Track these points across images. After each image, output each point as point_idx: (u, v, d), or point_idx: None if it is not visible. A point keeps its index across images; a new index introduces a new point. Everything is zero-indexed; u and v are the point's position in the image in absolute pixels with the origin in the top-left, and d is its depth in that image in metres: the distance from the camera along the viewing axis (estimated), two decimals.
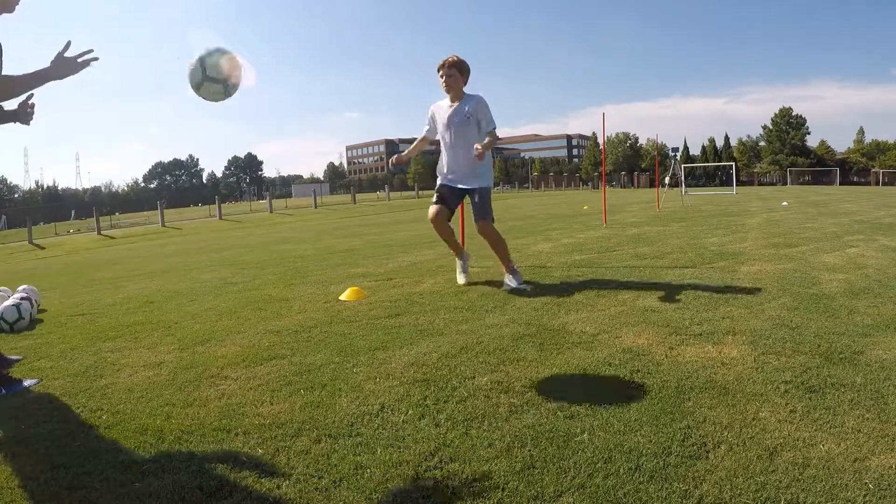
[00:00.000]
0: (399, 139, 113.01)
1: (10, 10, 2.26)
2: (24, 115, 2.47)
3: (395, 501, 1.45)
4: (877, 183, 53.88)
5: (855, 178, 64.69)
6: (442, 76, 3.94)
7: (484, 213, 3.97)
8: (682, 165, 33.47)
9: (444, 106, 4.05)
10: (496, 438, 1.75)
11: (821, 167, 63.66)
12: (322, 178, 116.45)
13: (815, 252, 5.21)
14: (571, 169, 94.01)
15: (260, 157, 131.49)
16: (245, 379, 2.41)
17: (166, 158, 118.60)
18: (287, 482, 1.56)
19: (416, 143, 4.38)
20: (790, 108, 68.83)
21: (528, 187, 72.87)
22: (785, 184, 58.67)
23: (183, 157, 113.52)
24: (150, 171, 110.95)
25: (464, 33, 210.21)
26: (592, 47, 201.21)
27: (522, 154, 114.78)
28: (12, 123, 2.50)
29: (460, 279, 4.23)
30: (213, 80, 2.36)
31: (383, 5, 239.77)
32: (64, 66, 2.13)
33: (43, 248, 20.07)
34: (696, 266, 4.60)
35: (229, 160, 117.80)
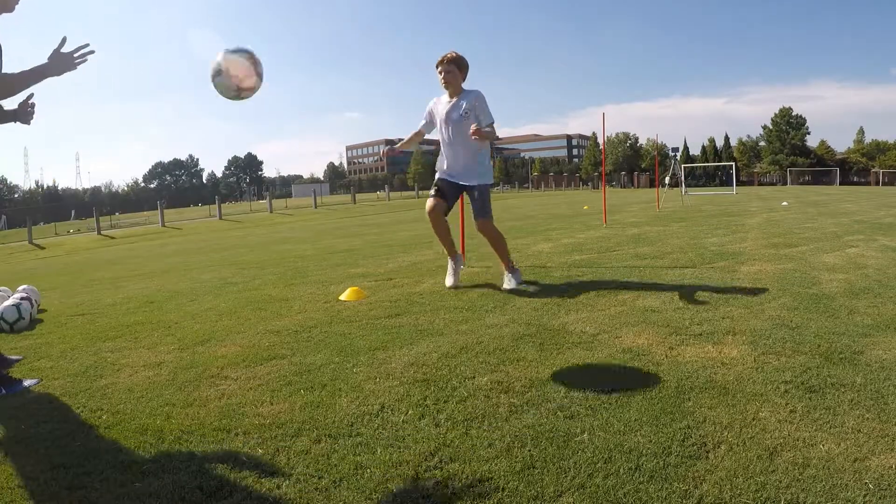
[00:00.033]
0: (399, 139, 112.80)
1: (10, 9, 2.26)
2: (24, 114, 2.48)
3: (395, 501, 1.45)
4: (877, 183, 53.88)
5: (855, 178, 64.70)
6: (440, 72, 3.93)
7: (483, 211, 3.96)
8: (682, 165, 33.47)
9: (442, 102, 4.04)
10: (496, 438, 1.75)
11: (821, 167, 63.67)
12: (322, 178, 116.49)
13: (815, 252, 5.21)
14: (571, 169, 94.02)
15: (260, 157, 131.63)
16: (245, 379, 2.41)
17: (166, 158, 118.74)
18: (287, 482, 1.56)
19: (410, 136, 4.32)
20: (790, 108, 68.88)
21: (528, 187, 72.86)
22: (785, 184, 58.67)
23: (183, 157, 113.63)
24: (150, 171, 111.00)
25: (464, 33, 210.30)
26: (592, 47, 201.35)
27: (522, 154, 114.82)
28: (12, 123, 2.51)
29: (449, 281, 4.11)
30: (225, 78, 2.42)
31: (383, 5, 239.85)
32: (61, 63, 2.13)
33: (43, 248, 20.07)
34: (696, 266, 4.60)
35: (229, 160, 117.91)
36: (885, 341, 2.47)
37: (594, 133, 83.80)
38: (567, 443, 1.69)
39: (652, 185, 58.65)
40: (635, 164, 75.50)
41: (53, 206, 71.96)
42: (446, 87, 3.98)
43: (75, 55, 2.15)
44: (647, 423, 1.79)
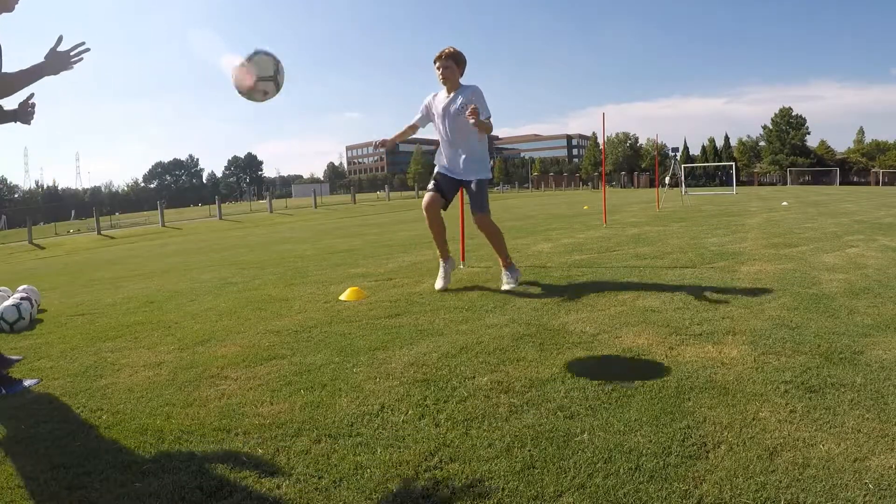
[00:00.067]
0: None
1: (10, 9, 2.26)
2: (24, 114, 2.48)
3: (395, 501, 1.45)
4: (877, 183, 53.90)
5: (855, 178, 64.71)
6: (438, 68, 3.92)
7: (481, 206, 3.94)
8: (682, 165, 33.47)
9: (440, 97, 4.03)
10: (496, 438, 1.75)
11: (821, 167, 63.68)
12: (322, 178, 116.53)
13: (815, 252, 5.21)
14: (571, 169, 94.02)
15: (260, 157, 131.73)
16: (245, 379, 2.41)
17: (166, 158, 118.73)
18: (287, 482, 1.56)
19: (403, 129, 4.25)
20: (790, 108, 68.92)
21: (528, 187, 72.87)
22: (785, 184, 58.68)
23: (183, 157, 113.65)
24: (150, 171, 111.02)
25: (464, 33, 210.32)
26: (592, 47, 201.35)
27: (522, 154, 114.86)
28: (12, 123, 2.51)
29: (439, 284, 4.04)
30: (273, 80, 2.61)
31: (383, 5, 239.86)
32: (57, 62, 2.13)
33: (43, 248, 20.06)
34: (696, 266, 4.60)
35: (229, 160, 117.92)
36: (885, 341, 2.47)
37: (594, 133, 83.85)
38: (567, 443, 1.69)
39: (652, 185, 58.65)
40: (635, 164, 75.51)
41: (53, 206, 71.96)
42: (444, 83, 3.97)
43: (72, 54, 2.15)
44: (647, 423, 1.79)
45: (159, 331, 3.40)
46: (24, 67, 2.15)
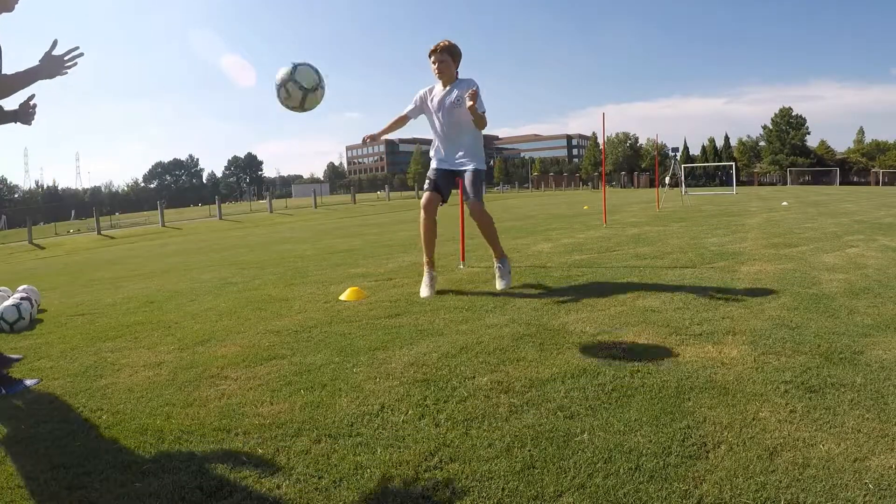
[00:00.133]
0: (399, 139, 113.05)
1: (10, 9, 2.26)
2: (25, 115, 2.48)
3: (395, 501, 1.45)
4: (877, 183, 53.90)
5: (855, 178, 64.73)
6: (434, 62, 3.89)
7: (476, 193, 3.88)
8: (682, 165, 33.48)
9: (436, 91, 4.00)
10: (496, 438, 1.75)
11: (821, 167, 63.69)
12: (322, 178, 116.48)
13: (815, 252, 5.21)
14: (571, 169, 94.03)
15: (260, 157, 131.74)
16: (245, 379, 2.41)
17: (166, 158, 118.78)
18: (287, 482, 1.56)
19: (393, 120, 4.18)
20: (790, 108, 68.96)
21: (528, 187, 72.86)
22: (785, 184, 58.68)
23: (183, 157, 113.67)
24: (150, 171, 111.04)
25: (464, 33, 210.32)
26: (592, 47, 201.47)
27: (522, 154, 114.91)
28: (13, 123, 2.51)
29: (424, 292, 3.87)
30: (314, 90, 2.92)
31: (383, 5, 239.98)
32: (52, 65, 2.14)
33: (43, 248, 20.06)
34: (696, 266, 4.60)
35: (229, 160, 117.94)
36: (885, 341, 2.47)
37: (594, 133, 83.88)
38: (567, 443, 1.69)
39: (652, 185, 58.66)
40: (635, 164, 75.53)
41: (53, 206, 71.96)
42: (440, 77, 3.94)
43: (66, 58, 2.16)
44: (647, 423, 1.79)
45: (159, 331, 3.40)
46: (19, 69, 2.16)
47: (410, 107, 4.11)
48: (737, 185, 32.75)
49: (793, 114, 68.40)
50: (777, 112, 69.30)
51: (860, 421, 1.74)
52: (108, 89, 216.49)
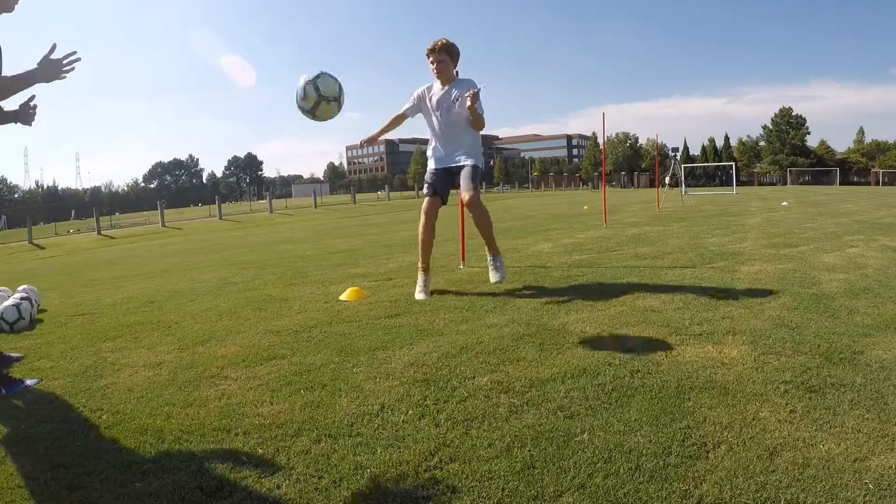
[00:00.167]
0: (399, 139, 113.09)
1: (10, 9, 2.26)
2: (25, 115, 2.48)
3: (395, 501, 1.45)
4: (877, 183, 53.92)
5: (855, 178, 64.76)
6: (432, 61, 3.86)
7: (473, 186, 3.82)
8: (682, 165, 33.49)
9: (434, 90, 3.97)
10: (496, 438, 1.75)
11: (821, 167, 63.70)
12: (322, 178, 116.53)
13: (815, 252, 5.21)
14: (571, 169, 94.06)
15: (260, 157, 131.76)
16: (245, 379, 2.41)
17: (166, 158, 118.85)
18: (287, 482, 1.56)
19: (390, 120, 4.16)
20: (790, 108, 68.99)
21: (528, 187, 72.87)
22: (785, 184, 58.70)
23: (183, 157, 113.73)
24: (150, 171, 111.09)
25: (464, 33, 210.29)
26: (592, 47, 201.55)
27: (522, 154, 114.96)
28: (13, 124, 2.51)
29: (420, 296, 3.84)
30: (328, 101, 2.95)
31: (383, 5, 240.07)
32: (49, 69, 2.15)
33: (43, 248, 20.06)
34: (696, 266, 4.60)
35: (229, 160, 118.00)
36: (885, 341, 2.47)
37: (594, 133, 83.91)
38: (567, 443, 1.69)
39: (652, 185, 58.68)
40: (635, 164, 75.56)
41: (53, 206, 71.98)
42: (438, 77, 3.91)
43: (64, 63, 2.17)
44: (647, 423, 1.79)
45: (159, 331, 3.40)
46: (18, 72, 2.17)
47: (408, 105, 4.07)
48: (737, 185, 32.77)
49: (793, 114, 68.44)
50: (777, 112, 69.37)
51: (860, 421, 1.74)
52: (108, 89, 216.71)
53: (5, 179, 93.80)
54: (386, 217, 20.36)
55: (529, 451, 1.66)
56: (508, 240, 7.37)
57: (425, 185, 4.05)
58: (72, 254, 16.44)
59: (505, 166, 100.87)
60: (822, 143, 70.44)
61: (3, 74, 2.33)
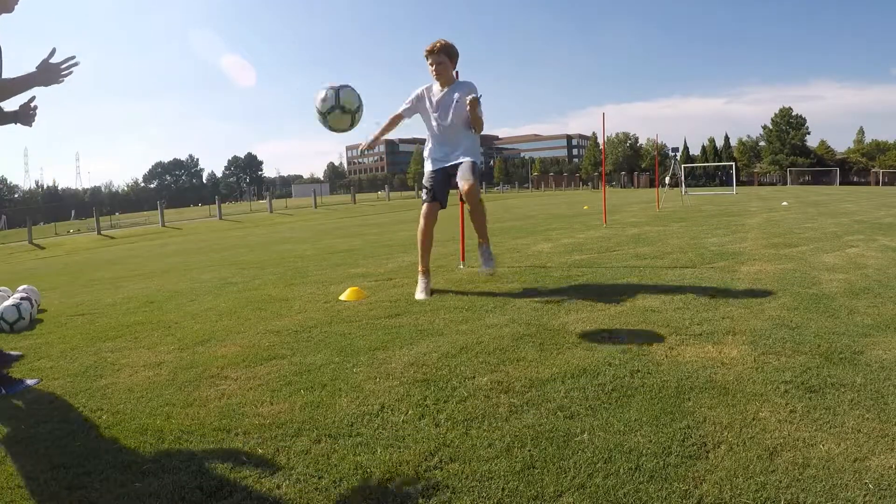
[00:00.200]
0: (399, 139, 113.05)
1: (10, 10, 2.26)
2: (25, 116, 2.48)
3: (395, 501, 1.45)
4: (877, 183, 53.93)
5: (855, 178, 64.77)
6: (431, 63, 3.84)
7: (472, 175, 3.79)
8: (682, 165, 33.50)
9: (434, 91, 3.96)
10: (496, 438, 1.75)
11: (821, 167, 63.72)
12: (322, 178, 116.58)
13: (815, 252, 5.21)
14: (571, 169, 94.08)
15: (260, 157, 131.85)
16: (245, 379, 2.41)
17: (166, 158, 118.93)
18: (287, 482, 1.56)
19: (388, 121, 4.13)
20: (790, 108, 69.00)
21: (528, 187, 72.86)
22: (785, 184, 58.71)
23: (183, 157, 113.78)
24: (150, 171, 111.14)
25: (464, 33, 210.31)
26: (592, 47, 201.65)
27: (522, 154, 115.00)
28: (13, 124, 2.51)
29: (420, 296, 3.83)
30: (343, 111, 3.10)
31: (383, 5, 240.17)
32: (48, 74, 2.16)
33: (43, 248, 20.06)
34: (696, 266, 4.59)
35: (229, 160, 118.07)
36: (885, 341, 2.47)
37: (594, 133, 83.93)
38: (567, 443, 1.69)
39: (652, 185, 58.69)
40: (635, 164, 75.58)
41: (53, 206, 71.99)
42: (438, 78, 3.90)
43: (62, 67, 2.17)
44: (647, 423, 1.79)
45: (159, 331, 3.40)
46: (16, 74, 2.18)
47: (406, 106, 4.04)
48: (737, 185, 32.77)
49: (793, 114, 68.44)
50: (777, 112, 69.38)
51: (860, 421, 1.74)
52: (108, 89, 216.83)
53: (5, 179, 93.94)
54: (386, 217, 20.36)
55: (529, 451, 1.66)
56: (508, 240, 7.37)
57: (423, 190, 4.03)
58: (72, 254, 16.44)
59: (505, 166, 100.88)
60: (822, 143, 70.47)
61: (3, 75, 2.33)
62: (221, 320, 3.57)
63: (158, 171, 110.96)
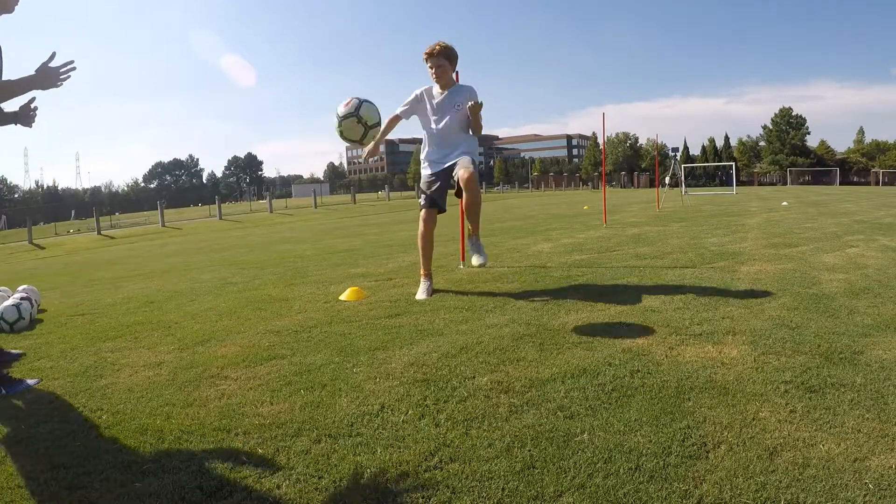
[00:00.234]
0: (399, 139, 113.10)
1: (10, 10, 2.27)
2: (25, 117, 2.48)
3: (395, 501, 1.45)
4: (877, 183, 53.93)
5: (855, 178, 64.79)
6: (431, 66, 3.83)
7: (471, 165, 3.77)
8: (682, 165, 33.49)
9: (434, 93, 3.95)
10: (496, 438, 1.75)
11: (821, 167, 63.73)
12: (322, 178, 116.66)
13: (815, 252, 5.21)
14: (571, 169, 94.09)
15: (260, 157, 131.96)
16: (245, 379, 2.41)
17: (166, 158, 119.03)
18: (287, 482, 1.56)
19: (386, 123, 4.05)
20: (790, 108, 69.02)
21: (528, 187, 72.87)
22: (785, 184, 58.71)
23: (183, 157, 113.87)
24: (150, 171, 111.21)
25: (464, 33, 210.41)
26: (593, 47, 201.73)
27: (522, 154, 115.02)
28: (13, 125, 2.51)
29: (420, 296, 3.83)
30: (359, 121, 3.33)
31: (383, 5, 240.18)
32: (47, 77, 2.17)
33: (43, 248, 20.06)
34: (696, 266, 4.59)
35: (229, 160, 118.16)
36: (885, 341, 2.47)
37: (594, 133, 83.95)
38: (567, 443, 1.69)
39: (652, 185, 58.69)
40: (635, 164, 75.59)
41: (53, 206, 72.02)
42: (437, 81, 3.90)
43: (61, 71, 2.17)
44: (647, 423, 1.79)
45: (159, 331, 3.40)
46: (15, 77, 2.18)
47: (404, 107, 4.02)
48: (737, 185, 32.77)
49: (793, 114, 68.46)
50: (777, 112, 69.40)
51: (860, 421, 1.74)
52: (108, 89, 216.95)
53: (5, 179, 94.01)
54: (386, 217, 20.36)
55: (529, 451, 1.66)
56: (508, 240, 7.37)
57: (422, 196, 4.02)
58: (72, 254, 16.44)
59: (505, 166, 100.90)
60: (822, 143, 70.49)
61: (4, 75, 2.34)
62: (221, 320, 3.57)
63: (158, 171, 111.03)
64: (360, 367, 2.47)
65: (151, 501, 1.50)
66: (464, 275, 4.60)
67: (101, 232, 24.47)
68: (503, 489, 1.48)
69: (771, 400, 1.92)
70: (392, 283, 4.53)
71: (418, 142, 4.33)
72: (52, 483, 1.63)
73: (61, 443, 1.90)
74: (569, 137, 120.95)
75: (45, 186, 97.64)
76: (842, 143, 73.63)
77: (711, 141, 73.12)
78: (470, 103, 3.69)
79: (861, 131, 70.56)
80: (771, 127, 69.47)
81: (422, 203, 4.01)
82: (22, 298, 3.91)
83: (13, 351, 2.99)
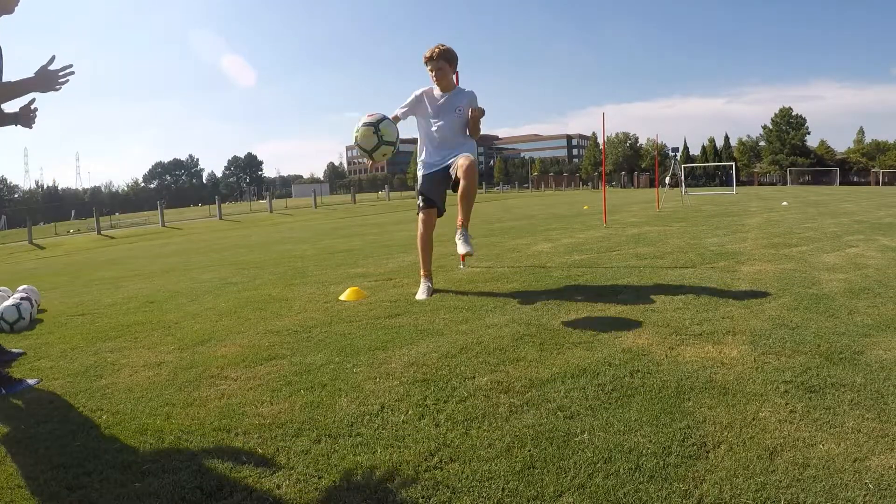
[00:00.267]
0: (399, 139, 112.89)
1: (10, 11, 2.27)
2: (25, 118, 2.48)
3: (395, 501, 1.45)
4: (877, 183, 53.93)
5: (855, 178, 64.83)
6: (431, 69, 3.84)
7: (470, 154, 3.75)
8: (682, 165, 33.50)
9: (434, 96, 3.94)
10: (496, 438, 1.75)
11: (821, 167, 63.75)
12: (322, 178, 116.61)
13: (815, 252, 5.21)
14: (571, 169, 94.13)
15: (260, 157, 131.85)
16: (245, 379, 2.41)
17: (166, 158, 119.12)
18: (287, 482, 1.56)
19: None
20: (790, 108, 69.05)
21: (528, 187, 72.86)
22: (785, 184, 58.71)
23: (183, 157, 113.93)
24: (150, 171, 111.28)
25: (464, 33, 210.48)
26: (592, 47, 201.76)
27: (522, 154, 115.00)
28: (13, 125, 2.51)
29: (420, 296, 3.82)
30: (376, 131, 3.47)
31: (383, 5, 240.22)
32: (45, 80, 2.17)
33: (43, 248, 20.06)
34: (696, 266, 4.59)
35: (229, 160, 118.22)
36: (885, 341, 2.47)
37: (594, 133, 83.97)
38: (567, 443, 1.69)
39: (652, 185, 58.70)
40: (635, 164, 75.62)
41: (53, 206, 72.07)
42: (438, 84, 3.90)
43: (60, 74, 2.18)
44: (647, 423, 1.78)
45: (159, 331, 3.40)
46: (15, 79, 2.19)
47: (404, 109, 4.00)
48: (737, 185, 32.78)
49: (793, 114, 68.49)
50: (777, 112, 69.44)
51: (860, 421, 1.74)
52: (108, 89, 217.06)
53: (5, 179, 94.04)
54: (386, 217, 20.36)
55: (529, 451, 1.66)
56: (509, 240, 7.37)
57: (420, 198, 4.01)
58: (72, 254, 16.44)
59: (505, 166, 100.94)
60: (822, 143, 70.53)
61: (4, 76, 2.34)
62: (221, 320, 3.57)
63: (158, 171, 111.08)
64: (360, 367, 2.47)
65: (151, 501, 1.50)
66: (464, 275, 4.60)
67: (101, 232, 24.46)
68: (503, 489, 1.48)
69: (771, 400, 1.92)
70: (392, 283, 4.53)
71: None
72: (52, 483, 1.63)
73: (61, 443, 1.90)
74: (569, 137, 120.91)
75: (44, 186, 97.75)
76: (842, 143, 73.79)
77: (711, 141, 73.22)
78: (471, 111, 3.70)
79: (861, 131, 70.65)
80: (771, 127, 69.51)
81: (420, 205, 4.01)
82: (22, 298, 3.91)
83: (14, 350, 2.99)
